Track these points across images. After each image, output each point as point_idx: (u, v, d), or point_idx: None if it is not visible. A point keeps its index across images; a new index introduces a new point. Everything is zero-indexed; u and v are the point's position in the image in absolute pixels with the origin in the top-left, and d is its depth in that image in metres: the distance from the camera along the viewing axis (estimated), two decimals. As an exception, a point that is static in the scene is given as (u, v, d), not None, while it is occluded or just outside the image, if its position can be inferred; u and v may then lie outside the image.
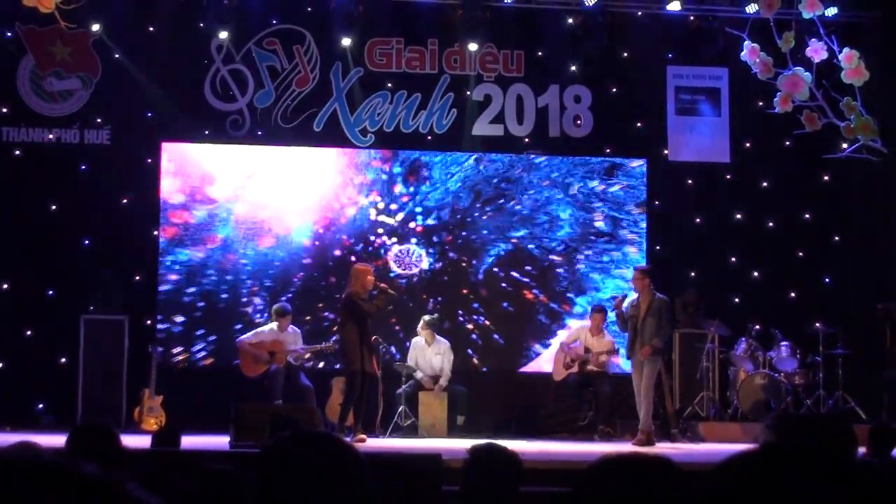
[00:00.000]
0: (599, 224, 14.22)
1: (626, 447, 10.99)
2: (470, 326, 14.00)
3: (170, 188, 13.67)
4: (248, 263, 13.74)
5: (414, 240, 14.00)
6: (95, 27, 13.29)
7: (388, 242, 13.95)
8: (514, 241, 14.10)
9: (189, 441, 9.21)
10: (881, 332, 13.21)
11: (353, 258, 13.42)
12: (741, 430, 12.35)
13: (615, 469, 1.94)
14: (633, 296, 11.93)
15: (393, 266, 13.93)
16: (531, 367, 13.97)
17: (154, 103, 13.62)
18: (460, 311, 14.01)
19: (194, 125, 13.77)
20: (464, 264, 14.05)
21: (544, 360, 13.76)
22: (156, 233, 13.64)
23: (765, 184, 14.66)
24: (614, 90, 14.49)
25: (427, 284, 13.98)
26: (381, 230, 13.95)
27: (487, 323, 14.02)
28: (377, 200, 13.98)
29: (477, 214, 14.10)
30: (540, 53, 14.35)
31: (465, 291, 14.05)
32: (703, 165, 14.53)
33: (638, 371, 11.77)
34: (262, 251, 13.76)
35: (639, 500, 1.90)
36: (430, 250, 14.01)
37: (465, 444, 5.00)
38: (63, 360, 13.18)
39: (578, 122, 14.38)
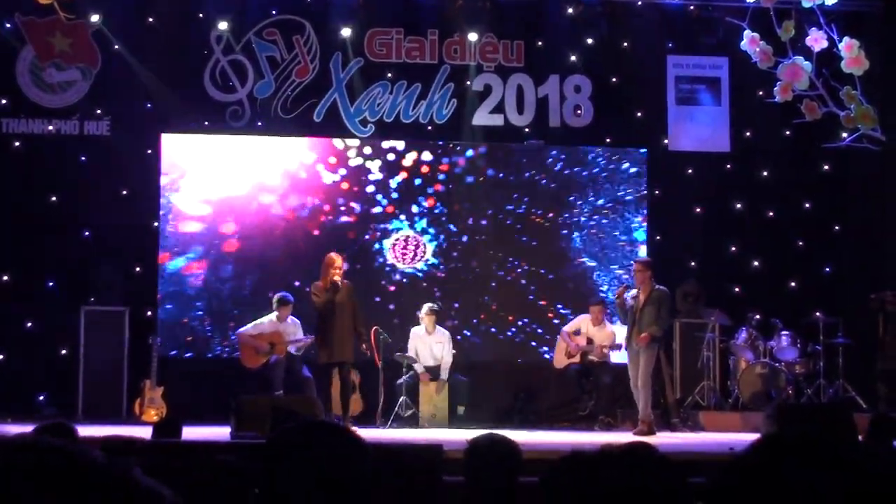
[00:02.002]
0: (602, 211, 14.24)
1: (626, 437, 11.00)
2: (510, 279, 14.05)
3: (169, 180, 13.67)
4: (248, 256, 13.75)
5: (411, 231, 13.98)
6: (95, 18, 13.27)
7: (382, 233, 13.95)
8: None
9: (190, 432, 9.21)
10: (874, 323, 13.23)
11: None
12: (742, 420, 12.36)
13: (585, 462, 1.94)
14: (633, 291, 11.92)
15: (391, 258, 13.92)
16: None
17: (154, 94, 13.61)
18: (495, 266, 14.05)
19: (194, 116, 13.76)
20: (462, 234, 14.08)
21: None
22: (156, 224, 13.64)
23: (765, 173, 14.65)
24: (614, 80, 14.48)
25: (438, 270, 14.01)
26: (372, 224, 13.97)
27: (527, 265, 14.09)
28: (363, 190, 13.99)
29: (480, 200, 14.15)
30: (540, 43, 14.33)
31: (492, 252, 14.08)
32: (703, 155, 14.52)
33: (634, 361, 11.74)
34: (262, 244, 13.77)
35: (615, 490, 1.90)
36: (430, 230, 14.01)
37: (466, 434, 5.01)
38: (64, 351, 13.19)
39: (579, 111, 14.37)
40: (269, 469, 2.11)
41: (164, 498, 1.33)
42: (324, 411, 11.57)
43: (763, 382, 12.84)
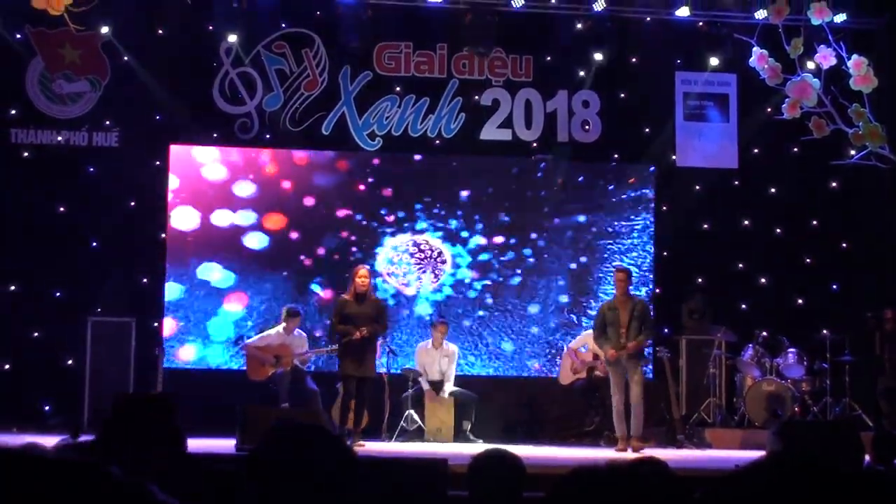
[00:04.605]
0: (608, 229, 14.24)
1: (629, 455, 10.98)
2: (514, 291, 14.07)
3: (177, 191, 13.69)
4: (255, 267, 13.76)
5: (430, 238, 13.99)
6: (104, 30, 13.31)
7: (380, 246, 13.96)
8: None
9: (195, 444, 9.20)
10: (872, 341, 13.21)
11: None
12: (748, 437, 12.32)
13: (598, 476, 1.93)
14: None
15: (383, 274, 13.91)
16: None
17: (162, 106, 13.64)
18: (502, 281, 14.03)
19: (202, 128, 13.79)
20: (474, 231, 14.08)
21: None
22: (163, 235, 13.65)
23: (772, 190, 14.63)
24: (623, 95, 14.49)
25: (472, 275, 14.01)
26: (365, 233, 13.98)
27: (532, 279, 14.06)
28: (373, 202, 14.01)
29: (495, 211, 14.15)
30: (549, 58, 14.34)
31: (499, 264, 14.04)
32: (710, 171, 14.51)
33: (620, 376, 11.63)
34: (269, 256, 13.78)
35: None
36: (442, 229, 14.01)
37: (471, 449, 5.00)
38: (70, 361, 13.19)
39: (587, 127, 14.37)
40: (252, 479, 2.10)
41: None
42: (335, 424, 11.52)
43: (769, 400, 12.80)
